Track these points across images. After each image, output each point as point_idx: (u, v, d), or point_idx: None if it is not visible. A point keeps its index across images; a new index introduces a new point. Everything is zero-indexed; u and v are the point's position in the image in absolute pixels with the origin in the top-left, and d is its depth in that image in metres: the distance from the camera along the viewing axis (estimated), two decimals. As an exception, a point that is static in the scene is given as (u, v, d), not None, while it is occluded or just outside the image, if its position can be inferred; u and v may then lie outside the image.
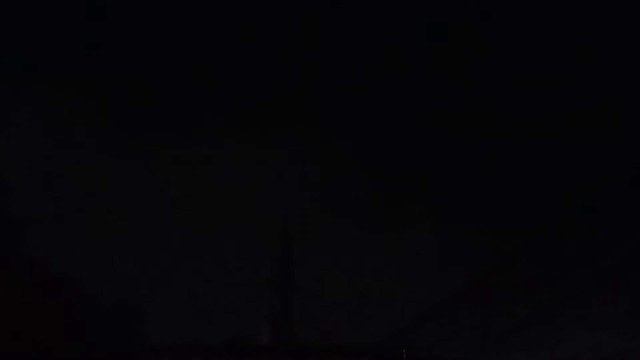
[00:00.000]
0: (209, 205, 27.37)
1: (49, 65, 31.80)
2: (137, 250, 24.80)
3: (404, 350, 19.72)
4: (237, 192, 28.35)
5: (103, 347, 15.99)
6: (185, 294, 23.58)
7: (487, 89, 34.16)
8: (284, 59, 33.96)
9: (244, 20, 34.39)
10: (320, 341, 20.86)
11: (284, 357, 19.91)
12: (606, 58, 33.56)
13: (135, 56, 33.32)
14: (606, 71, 32.87)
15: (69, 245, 21.11)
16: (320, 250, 25.10)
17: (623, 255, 18.38)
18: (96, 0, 33.87)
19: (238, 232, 26.17)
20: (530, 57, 33.92)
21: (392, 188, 30.51)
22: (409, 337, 21.03)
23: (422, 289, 25.96)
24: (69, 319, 15.96)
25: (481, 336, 21.75)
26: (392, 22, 35.13)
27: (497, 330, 22.45)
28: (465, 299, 21.60)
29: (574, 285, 20.10)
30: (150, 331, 17.25)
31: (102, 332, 16.20)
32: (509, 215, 30.82)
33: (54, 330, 15.47)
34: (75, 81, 31.14)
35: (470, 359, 21.31)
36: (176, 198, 27.52)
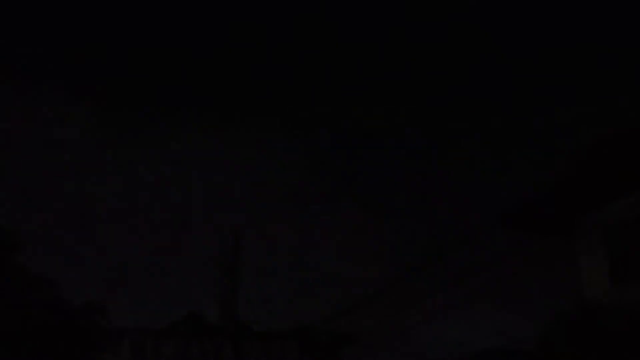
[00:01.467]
0: (172, 202, 30.57)
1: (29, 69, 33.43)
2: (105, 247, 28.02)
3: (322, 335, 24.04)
4: (197, 191, 31.48)
5: (74, 337, 20.28)
6: (149, 281, 27.52)
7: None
8: (255, 65, 35.92)
9: (216, 30, 36.30)
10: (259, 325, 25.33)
11: (226, 337, 24.31)
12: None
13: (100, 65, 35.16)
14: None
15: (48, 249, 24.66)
16: (267, 244, 28.80)
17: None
18: (75, 9, 35.72)
19: (197, 227, 29.63)
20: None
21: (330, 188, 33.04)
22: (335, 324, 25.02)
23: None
24: (50, 314, 20.21)
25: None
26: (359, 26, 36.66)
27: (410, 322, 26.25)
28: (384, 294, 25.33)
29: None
30: (114, 322, 21.56)
31: (72, 325, 20.43)
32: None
33: (36, 323, 19.72)
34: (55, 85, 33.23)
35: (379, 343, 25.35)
36: (139, 196, 30.62)
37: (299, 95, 35.51)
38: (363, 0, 37.48)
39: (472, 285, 24.68)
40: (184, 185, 31.52)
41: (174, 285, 27.97)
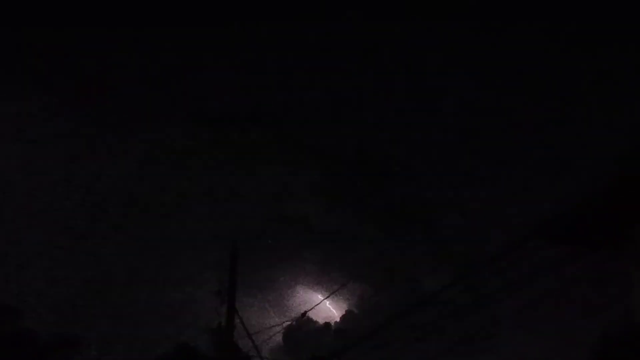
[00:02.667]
0: (161, 214, 29.18)
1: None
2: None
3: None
4: (191, 205, 30.10)
5: None
6: (133, 309, 26.00)
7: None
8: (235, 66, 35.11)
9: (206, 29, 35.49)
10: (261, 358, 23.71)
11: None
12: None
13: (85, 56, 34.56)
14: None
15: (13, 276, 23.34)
16: (265, 263, 27.38)
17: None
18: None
19: (187, 244, 28.24)
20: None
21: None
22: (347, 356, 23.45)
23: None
24: (13, 347, 18.60)
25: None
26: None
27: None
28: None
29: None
30: (92, 356, 20.00)
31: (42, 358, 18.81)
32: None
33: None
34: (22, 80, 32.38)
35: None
36: (126, 205, 29.30)
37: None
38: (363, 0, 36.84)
39: (499, 309, 23.23)
40: (175, 195, 30.14)
41: (162, 313, 26.40)
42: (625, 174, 16.04)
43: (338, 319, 39.59)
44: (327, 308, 35.42)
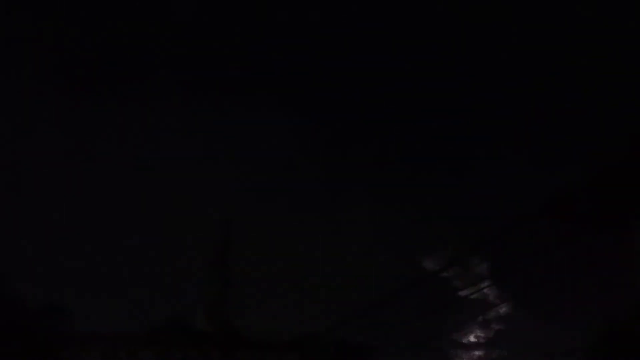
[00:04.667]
0: (150, 188, 29.41)
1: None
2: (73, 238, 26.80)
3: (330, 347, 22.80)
4: (178, 175, 30.35)
5: (33, 341, 18.98)
6: (121, 279, 26.37)
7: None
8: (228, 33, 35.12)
9: None
10: (251, 332, 24.05)
11: (214, 346, 23.04)
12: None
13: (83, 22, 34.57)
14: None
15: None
16: (259, 236, 27.63)
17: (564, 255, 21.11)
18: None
19: (176, 216, 28.51)
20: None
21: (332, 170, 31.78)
22: (340, 332, 23.81)
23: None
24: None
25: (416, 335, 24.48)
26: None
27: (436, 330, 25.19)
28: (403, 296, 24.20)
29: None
30: (83, 326, 20.36)
31: (31, 326, 19.14)
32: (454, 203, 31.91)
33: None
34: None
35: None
36: (111, 178, 29.50)
37: (295, 70, 34.28)
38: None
39: (502, 290, 23.56)
40: (164, 168, 30.37)
41: (154, 285, 26.79)
42: (634, 154, 16.28)
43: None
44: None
